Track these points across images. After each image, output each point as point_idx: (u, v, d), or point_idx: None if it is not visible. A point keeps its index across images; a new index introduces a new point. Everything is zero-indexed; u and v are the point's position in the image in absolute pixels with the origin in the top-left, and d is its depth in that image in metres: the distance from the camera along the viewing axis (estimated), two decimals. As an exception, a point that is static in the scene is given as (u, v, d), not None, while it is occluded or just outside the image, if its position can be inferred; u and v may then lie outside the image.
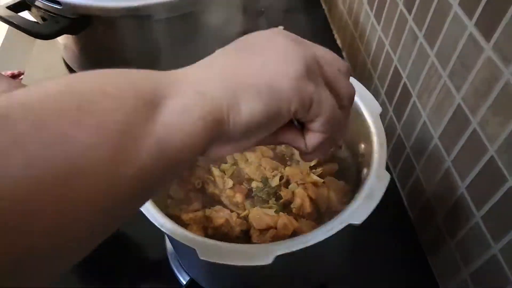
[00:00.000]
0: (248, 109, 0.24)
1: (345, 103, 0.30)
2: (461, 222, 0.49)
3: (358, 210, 0.33)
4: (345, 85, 0.30)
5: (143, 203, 0.23)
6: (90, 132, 0.19)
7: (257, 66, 0.26)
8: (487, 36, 0.41)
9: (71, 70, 0.68)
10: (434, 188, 0.55)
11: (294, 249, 0.30)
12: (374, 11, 0.69)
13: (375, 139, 0.39)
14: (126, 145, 0.20)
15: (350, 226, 0.32)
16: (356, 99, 0.41)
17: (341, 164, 0.51)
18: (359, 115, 0.43)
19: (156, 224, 0.33)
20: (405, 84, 0.60)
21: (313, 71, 0.27)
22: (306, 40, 0.30)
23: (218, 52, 0.28)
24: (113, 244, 0.55)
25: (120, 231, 0.57)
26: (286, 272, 0.37)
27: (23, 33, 0.87)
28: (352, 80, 0.38)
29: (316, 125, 0.28)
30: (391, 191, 0.64)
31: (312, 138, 0.29)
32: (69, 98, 0.19)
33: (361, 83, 0.77)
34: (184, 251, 0.41)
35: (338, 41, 0.90)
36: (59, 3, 0.45)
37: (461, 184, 0.48)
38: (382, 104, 0.69)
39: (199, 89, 0.24)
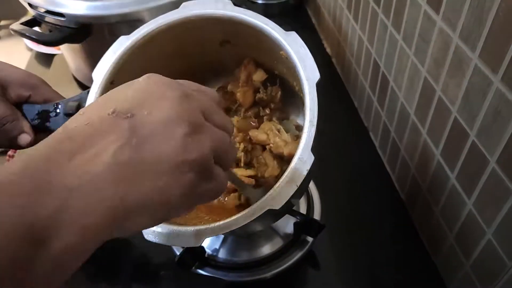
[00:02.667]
0: (136, 225, 0.24)
1: (229, 132, 0.29)
2: (442, 187, 0.51)
3: (279, 195, 0.33)
4: (222, 115, 0.29)
5: None
6: None
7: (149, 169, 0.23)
8: (437, 11, 0.46)
9: (79, 83, 0.76)
10: (416, 164, 0.58)
11: (220, 233, 0.33)
12: (352, 13, 0.75)
13: (307, 115, 0.36)
14: None
15: (271, 211, 0.33)
16: (294, 58, 0.40)
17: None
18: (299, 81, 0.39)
19: None
20: (383, 73, 0.65)
21: (199, 125, 0.25)
22: (181, 82, 0.28)
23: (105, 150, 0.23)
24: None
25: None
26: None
27: (39, 64, 0.97)
28: (295, 39, 0.41)
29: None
30: (381, 176, 0.68)
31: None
32: None
33: (349, 84, 0.83)
34: None
35: (328, 50, 0.96)
36: (63, 15, 0.52)
37: (436, 151, 0.52)
38: (368, 98, 0.73)
39: (84, 223, 0.21)
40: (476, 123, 0.42)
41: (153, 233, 0.34)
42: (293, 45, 0.39)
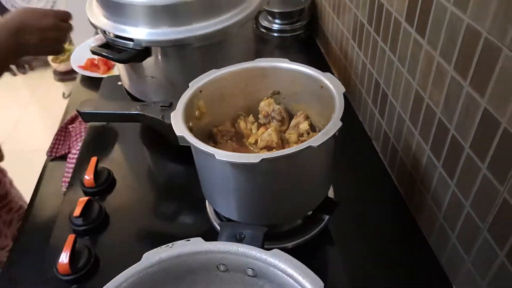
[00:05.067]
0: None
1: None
2: (431, 177, 0.64)
3: (317, 139, 0.50)
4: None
5: None
6: None
7: None
8: (423, 36, 0.60)
9: (132, 97, 0.89)
10: (411, 162, 0.70)
11: (274, 156, 0.48)
12: (356, 42, 0.90)
13: (337, 104, 0.56)
14: None
15: (310, 147, 0.50)
16: (329, 84, 0.60)
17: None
18: (331, 96, 0.59)
19: (184, 135, 0.52)
20: (383, 89, 0.78)
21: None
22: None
23: None
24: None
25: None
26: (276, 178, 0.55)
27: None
28: (328, 75, 0.59)
29: None
30: (383, 178, 0.80)
31: None
32: None
33: (354, 101, 0.96)
34: (209, 183, 0.58)
35: (335, 74, 1.10)
36: (132, 40, 0.66)
37: (426, 148, 0.64)
38: (370, 111, 0.87)
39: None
40: (454, 120, 0.55)
41: (226, 156, 0.49)
42: (328, 78, 0.62)
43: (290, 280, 0.42)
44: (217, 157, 0.47)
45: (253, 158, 0.46)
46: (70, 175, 0.79)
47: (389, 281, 0.63)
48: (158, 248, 0.45)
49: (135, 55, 0.67)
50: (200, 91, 0.61)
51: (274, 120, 0.65)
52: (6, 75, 0.81)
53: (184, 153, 0.59)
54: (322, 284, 0.41)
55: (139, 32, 0.66)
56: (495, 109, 0.47)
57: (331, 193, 0.70)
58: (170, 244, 0.45)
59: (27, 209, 0.80)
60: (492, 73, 0.46)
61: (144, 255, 0.45)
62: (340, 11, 1.00)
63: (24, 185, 1.05)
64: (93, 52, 0.69)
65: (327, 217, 0.64)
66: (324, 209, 0.62)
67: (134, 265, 0.44)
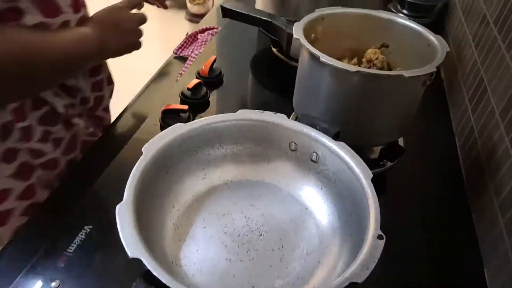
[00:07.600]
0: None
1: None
2: (500, 166, 0.66)
3: (410, 72, 0.58)
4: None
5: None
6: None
7: None
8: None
9: None
10: (486, 154, 0.73)
11: (368, 72, 0.58)
12: (478, 49, 0.92)
13: (438, 56, 0.62)
14: None
15: (401, 76, 0.57)
16: (436, 42, 0.65)
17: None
18: (435, 54, 0.63)
19: (300, 38, 0.63)
20: (485, 86, 0.81)
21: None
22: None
23: None
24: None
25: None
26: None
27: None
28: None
29: None
30: (453, 166, 0.82)
31: None
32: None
33: (452, 98, 0.98)
34: (305, 90, 0.68)
35: (442, 74, 1.12)
36: None
37: (507, 138, 0.67)
38: (464, 108, 0.89)
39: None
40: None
41: (329, 60, 0.60)
42: (437, 38, 0.67)
43: (346, 167, 0.51)
44: (321, 59, 0.56)
45: (351, 68, 0.54)
46: (186, 69, 0.93)
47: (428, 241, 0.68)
48: (252, 110, 0.56)
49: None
50: (323, 19, 0.70)
51: (375, 67, 0.72)
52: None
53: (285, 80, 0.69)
54: (371, 174, 0.49)
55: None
56: None
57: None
58: (261, 111, 0.55)
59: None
60: None
61: (239, 110, 0.55)
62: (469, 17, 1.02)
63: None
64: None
65: (388, 165, 0.70)
66: (390, 154, 0.68)
67: (229, 113, 0.55)
